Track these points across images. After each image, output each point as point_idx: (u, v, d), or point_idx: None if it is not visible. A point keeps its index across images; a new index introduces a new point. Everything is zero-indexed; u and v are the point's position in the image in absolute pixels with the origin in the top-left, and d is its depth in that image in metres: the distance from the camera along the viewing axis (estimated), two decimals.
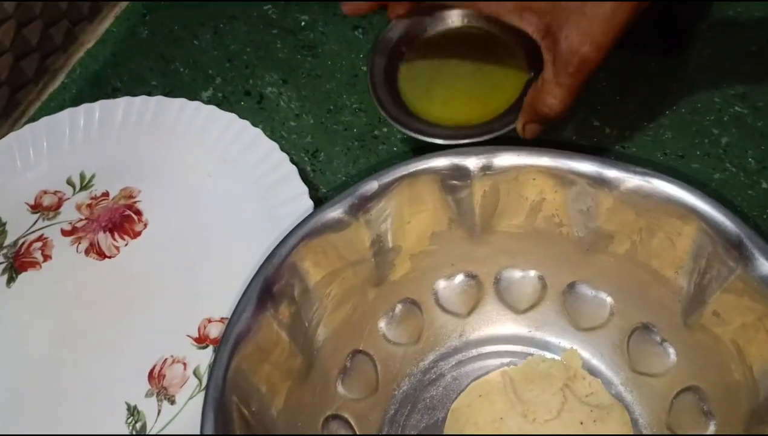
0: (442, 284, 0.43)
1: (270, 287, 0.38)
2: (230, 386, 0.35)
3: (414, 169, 0.40)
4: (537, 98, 0.42)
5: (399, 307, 0.43)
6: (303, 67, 0.58)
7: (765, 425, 0.34)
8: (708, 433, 0.37)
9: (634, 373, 0.40)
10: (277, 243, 0.39)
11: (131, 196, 0.52)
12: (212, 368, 0.35)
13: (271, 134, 0.52)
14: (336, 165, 0.52)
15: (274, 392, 0.38)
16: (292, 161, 0.50)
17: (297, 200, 0.47)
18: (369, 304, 0.42)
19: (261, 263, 0.38)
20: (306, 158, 0.53)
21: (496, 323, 0.43)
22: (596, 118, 0.51)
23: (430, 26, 0.51)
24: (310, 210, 0.46)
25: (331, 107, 0.55)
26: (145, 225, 0.51)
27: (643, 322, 0.40)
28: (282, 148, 0.50)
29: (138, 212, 0.51)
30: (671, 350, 0.39)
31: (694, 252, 0.37)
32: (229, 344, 0.36)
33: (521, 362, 0.41)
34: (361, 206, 0.40)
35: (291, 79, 0.57)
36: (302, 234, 0.39)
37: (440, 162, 0.40)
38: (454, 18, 0.51)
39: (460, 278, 0.43)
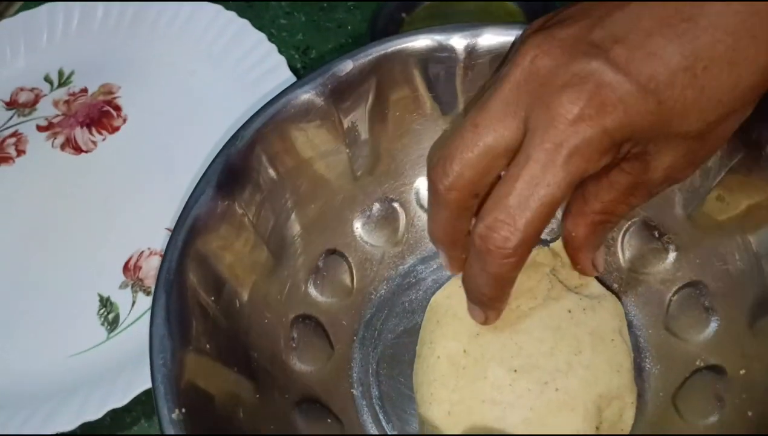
0: (425, 182, 0.40)
1: (232, 170, 0.34)
2: (186, 267, 0.32)
3: (393, 48, 0.37)
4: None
5: (377, 206, 0.40)
6: None
7: None
8: (709, 330, 0.34)
9: (630, 272, 0.37)
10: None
11: (110, 92, 0.51)
12: (167, 248, 0.32)
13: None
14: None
15: (238, 283, 0.34)
16: None
17: None
18: (344, 201, 0.39)
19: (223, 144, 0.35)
20: (296, 56, 0.51)
21: None
22: None
23: None
24: None
25: (325, 5, 0.53)
26: (124, 120, 0.49)
27: (642, 216, 0.37)
28: None
29: (117, 108, 0.50)
30: (671, 246, 0.36)
31: None
32: (185, 225, 0.33)
33: None
34: (334, 89, 0.36)
35: None
36: (269, 116, 0.36)
37: (421, 42, 0.37)
38: None
39: None
